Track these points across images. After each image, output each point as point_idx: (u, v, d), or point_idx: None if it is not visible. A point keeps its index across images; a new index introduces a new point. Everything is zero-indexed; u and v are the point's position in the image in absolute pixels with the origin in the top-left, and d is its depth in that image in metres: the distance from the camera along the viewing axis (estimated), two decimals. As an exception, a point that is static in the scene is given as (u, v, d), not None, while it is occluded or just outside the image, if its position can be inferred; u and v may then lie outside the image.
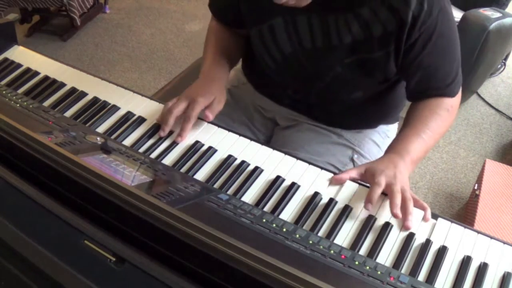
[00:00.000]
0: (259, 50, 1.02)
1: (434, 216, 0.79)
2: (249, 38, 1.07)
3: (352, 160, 1.06)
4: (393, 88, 1.04)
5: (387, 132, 1.13)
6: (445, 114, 0.94)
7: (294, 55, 0.96)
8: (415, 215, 0.78)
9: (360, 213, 0.78)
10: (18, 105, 0.90)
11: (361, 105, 1.04)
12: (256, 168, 0.86)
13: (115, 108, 0.98)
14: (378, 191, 0.78)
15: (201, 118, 0.97)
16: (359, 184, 0.84)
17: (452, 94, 0.94)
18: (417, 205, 0.80)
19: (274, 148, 0.91)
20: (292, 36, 0.93)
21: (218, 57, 1.05)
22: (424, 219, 0.78)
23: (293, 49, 0.95)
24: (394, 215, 0.76)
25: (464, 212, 1.89)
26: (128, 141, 0.92)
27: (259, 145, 0.92)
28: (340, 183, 0.84)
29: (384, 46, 0.87)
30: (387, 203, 0.80)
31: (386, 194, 0.80)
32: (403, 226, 0.76)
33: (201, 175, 0.85)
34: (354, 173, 0.85)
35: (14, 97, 0.93)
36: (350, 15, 0.86)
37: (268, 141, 1.15)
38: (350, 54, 0.90)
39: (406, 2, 0.81)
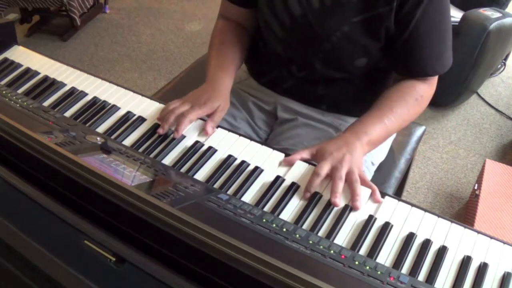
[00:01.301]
0: (268, 19, 1.03)
1: (434, 216, 0.79)
2: (255, 25, 1.07)
3: None
4: (392, 73, 1.06)
5: None
6: (413, 103, 0.96)
7: (303, 17, 0.97)
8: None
9: (360, 213, 0.78)
10: (18, 105, 0.90)
11: (363, 81, 1.05)
12: (256, 168, 0.86)
13: (115, 108, 0.98)
14: (316, 181, 0.80)
15: (202, 119, 0.97)
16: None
17: (431, 72, 0.96)
18: (365, 185, 0.82)
19: (274, 148, 0.91)
20: None
21: (223, 60, 1.06)
22: (373, 199, 0.80)
23: (302, 10, 0.97)
24: (333, 203, 0.78)
25: (464, 212, 1.89)
26: (128, 141, 0.92)
27: (259, 145, 0.92)
28: (291, 164, 0.86)
29: (389, 2, 0.89)
30: (386, 203, 0.80)
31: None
32: (352, 207, 0.78)
33: (201, 175, 0.85)
34: (305, 154, 0.88)
35: (14, 97, 0.93)
36: None
37: (265, 140, 1.16)
38: (358, 13, 0.92)
39: None
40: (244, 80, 1.19)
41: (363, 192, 0.81)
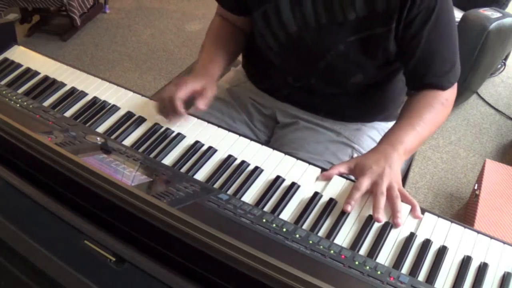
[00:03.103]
0: (263, 33, 1.02)
1: (434, 216, 0.79)
2: (250, 29, 1.07)
3: (352, 158, 1.06)
4: (391, 79, 1.05)
5: (385, 129, 1.13)
6: (440, 107, 0.95)
7: (299, 34, 0.96)
8: (405, 212, 0.78)
9: (360, 213, 0.78)
10: (18, 105, 0.90)
11: (360, 93, 1.04)
12: (256, 168, 0.86)
13: (115, 108, 0.98)
14: (357, 195, 0.79)
15: (202, 118, 0.98)
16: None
17: (448, 84, 0.95)
18: (406, 201, 0.80)
19: (274, 148, 0.91)
20: (297, 14, 0.94)
21: (214, 56, 1.06)
22: (413, 215, 0.79)
23: (297, 28, 0.96)
24: (376, 219, 0.76)
25: (464, 212, 1.89)
26: (128, 141, 0.92)
27: (259, 145, 0.92)
28: (329, 179, 0.85)
29: (387, 22, 0.88)
30: (387, 204, 0.79)
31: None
32: (393, 224, 0.76)
33: (201, 175, 0.85)
34: (343, 168, 0.86)
35: (14, 97, 0.93)
36: None
37: (268, 141, 1.16)
38: (354, 32, 0.92)
39: None
40: (242, 83, 1.19)
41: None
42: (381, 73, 1.01)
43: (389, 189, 0.80)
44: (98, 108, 0.98)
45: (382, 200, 0.78)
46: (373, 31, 0.90)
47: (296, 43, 0.99)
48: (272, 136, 1.15)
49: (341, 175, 0.86)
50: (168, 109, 0.93)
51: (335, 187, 0.83)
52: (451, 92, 0.97)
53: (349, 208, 0.78)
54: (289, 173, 0.86)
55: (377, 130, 1.12)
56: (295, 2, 0.93)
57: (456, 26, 0.93)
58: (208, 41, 1.10)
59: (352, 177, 0.92)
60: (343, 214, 0.77)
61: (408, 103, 0.97)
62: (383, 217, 0.76)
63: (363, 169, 0.83)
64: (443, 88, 0.96)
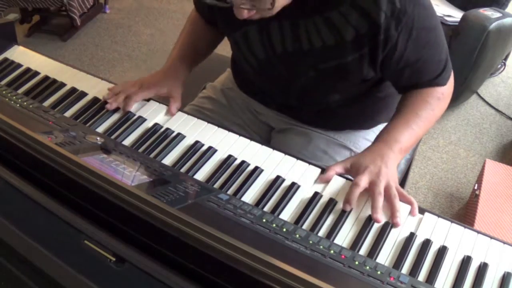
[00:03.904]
0: (237, 55, 1.04)
1: (434, 216, 0.79)
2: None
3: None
4: (377, 89, 1.03)
5: None
6: (436, 103, 0.94)
7: (268, 60, 0.97)
8: (405, 212, 0.78)
9: (360, 213, 0.78)
10: (18, 105, 0.90)
11: (343, 107, 1.03)
12: (256, 168, 0.86)
13: (115, 108, 0.98)
14: (356, 192, 0.79)
15: (202, 119, 0.98)
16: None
17: (443, 82, 0.94)
18: (403, 200, 0.80)
19: (274, 148, 0.91)
20: (265, 42, 0.93)
21: (185, 52, 1.10)
22: (411, 213, 0.79)
23: (266, 55, 0.96)
24: (375, 219, 0.76)
25: (464, 212, 1.89)
26: (128, 141, 0.92)
27: (259, 145, 0.92)
28: (327, 181, 0.85)
29: (357, 49, 0.86)
30: (386, 204, 0.79)
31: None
32: (392, 224, 0.76)
33: (201, 175, 0.85)
34: (339, 168, 0.86)
35: (14, 97, 0.93)
36: (319, 19, 0.85)
37: (264, 144, 1.15)
38: (324, 60, 0.90)
39: (376, 3, 0.79)
40: (236, 87, 1.19)
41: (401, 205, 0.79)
42: (360, 89, 1.00)
43: (387, 189, 0.80)
44: (98, 108, 0.98)
45: (380, 200, 0.78)
46: (344, 59, 0.88)
47: (267, 69, 0.99)
48: (270, 141, 1.15)
49: (340, 175, 0.86)
50: (118, 102, 0.98)
51: (335, 187, 0.83)
52: (448, 86, 0.96)
53: (348, 207, 0.78)
54: (289, 173, 0.86)
55: (373, 131, 1.11)
56: (263, 30, 0.92)
57: (439, 24, 0.90)
58: (183, 35, 1.13)
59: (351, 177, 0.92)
60: (343, 214, 0.77)
61: (403, 99, 0.96)
62: (382, 217, 0.76)
63: (359, 169, 0.83)
64: (438, 86, 0.95)
